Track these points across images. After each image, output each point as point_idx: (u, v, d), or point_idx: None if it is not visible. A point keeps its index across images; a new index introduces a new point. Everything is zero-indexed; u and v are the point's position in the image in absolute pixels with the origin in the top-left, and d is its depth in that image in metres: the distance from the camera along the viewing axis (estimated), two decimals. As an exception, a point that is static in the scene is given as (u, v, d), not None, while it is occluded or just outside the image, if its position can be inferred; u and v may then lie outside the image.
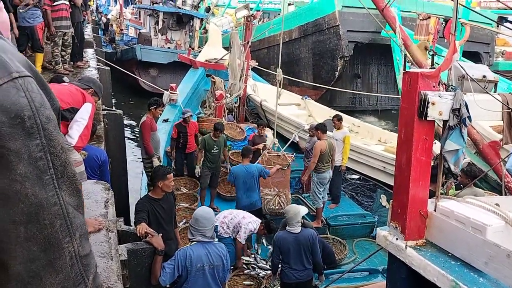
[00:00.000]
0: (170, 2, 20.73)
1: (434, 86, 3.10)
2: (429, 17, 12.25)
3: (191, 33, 20.55)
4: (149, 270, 3.78)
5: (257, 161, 7.65)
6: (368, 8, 7.53)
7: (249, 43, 10.92)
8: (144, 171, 7.49)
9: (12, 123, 0.71)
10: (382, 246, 3.46)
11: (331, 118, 8.62)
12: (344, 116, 9.20)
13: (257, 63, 12.88)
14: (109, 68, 10.77)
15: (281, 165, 7.55)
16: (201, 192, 7.74)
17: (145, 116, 7.15)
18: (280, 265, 5.20)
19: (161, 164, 7.10)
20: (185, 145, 8.06)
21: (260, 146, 8.29)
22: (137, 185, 8.22)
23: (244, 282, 5.76)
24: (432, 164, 3.26)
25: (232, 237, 5.76)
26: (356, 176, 9.65)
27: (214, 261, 3.90)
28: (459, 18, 6.34)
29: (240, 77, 10.46)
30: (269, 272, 5.73)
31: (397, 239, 3.23)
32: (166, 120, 9.53)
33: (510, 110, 3.66)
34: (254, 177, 6.71)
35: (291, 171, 8.05)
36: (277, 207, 7.24)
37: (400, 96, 3.37)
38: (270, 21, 21.33)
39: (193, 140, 8.16)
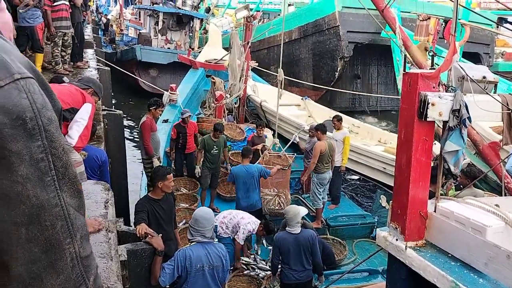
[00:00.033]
0: (170, 2, 20.74)
1: (434, 87, 3.10)
2: (429, 18, 12.24)
3: (191, 34, 20.55)
4: (148, 270, 3.78)
5: (257, 162, 7.65)
6: (368, 8, 7.52)
7: (249, 44, 10.93)
8: (144, 172, 7.49)
9: (13, 124, 0.71)
10: (382, 247, 3.46)
11: (331, 119, 8.62)
12: (344, 116, 9.20)
13: (257, 64, 12.88)
14: (109, 69, 10.77)
15: (281, 166, 7.55)
16: (201, 193, 7.74)
17: (145, 117, 7.16)
18: (280, 266, 5.20)
19: (161, 164, 7.11)
20: (185, 145, 8.06)
21: (259, 146, 8.30)
22: (137, 185, 8.22)
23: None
24: (432, 165, 3.26)
25: (231, 237, 5.76)
26: (356, 177, 9.65)
27: (213, 262, 3.90)
28: (459, 19, 6.33)
29: (240, 78, 10.46)
30: (269, 272, 5.73)
31: (397, 239, 3.23)
32: (166, 121, 9.53)
33: (510, 111, 3.66)
34: (254, 177, 6.71)
35: (291, 172, 8.06)
36: (277, 208, 7.24)
37: (400, 97, 3.37)
38: (270, 21, 21.36)
39: (192, 140, 8.16)
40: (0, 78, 0.71)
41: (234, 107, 11.48)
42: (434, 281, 2.86)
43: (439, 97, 3.04)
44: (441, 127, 3.22)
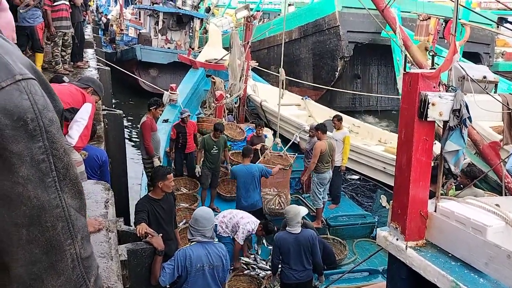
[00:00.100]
0: (170, 2, 20.73)
1: (434, 87, 3.10)
2: (429, 18, 12.25)
3: (191, 34, 20.55)
4: (149, 270, 3.78)
5: (257, 162, 7.64)
6: (368, 8, 7.52)
7: (249, 44, 10.92)
8: (144, 172, 7.49)
9: (15, 125, 0.71)
10: (382, 247, 3.46)
11: (331, 119, 8.62)
12: (344, 116, 9.20)
13: (257, 64, 12.88)
14: (109, 68, 10.77)
15: (283, 165, 7.55)
16: (202, 193, 7.74)
17: (145, 116, 7.16)
18: (280, 266, 5.19)
19: (161, 164, 7.11)
20: (185, 145, 8.06)
21: (258, 146, 8.29)
22: (137, 185, 8.22)
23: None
24: (432, 164, 3.26)
25: (231, 237, 5.76)
26: (356, 177, 9.65)
27: (214, 261, 3.90)
28: (459, 19, 6.33)
29: (240, 78, 10.46)
30: (269, 272, 5.73)
31: (397, 239, 3.23)
32: (166, 121, 9.53)
33: (510, 111, 3.66)
34: (255, 177, 6.71)
35: (291, 172, 8.06)
36: (277, 207, 7.24)
37: (400, 97, 3.37)
38: (270, 21, 21.36)
39: (192, 140, 8.16)
40: (1, 79, 0.71)
41: (234, 107, 11.48)
42: (435, 281, 2.86)
43: (440, 97, 3.04)
44: (442, 127, 3.22)
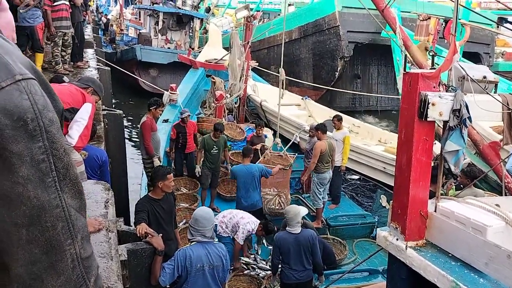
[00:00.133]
0: (170, 2, 20.72)
1: (434, 87, 3.10)
2: (429, 18, 12.25)
3: (191, 34, 20.55)
4: (149, 270, 3.78)
5: (257, 162, 7.64)
6: (368, 8, 7.52)
7: (249, 44, 10.92)
8: (144, 172, 7.49)
9: (15, 125, 0.70)
10: (382, 247, 3.46)
11: (331, 119, 8.63)
12: (344, 116, 9.20)
13: (257, 64, 12.89)
14: (109, 69, 10.77)
15: (283, 165, 7.55)
16: (202, 193, 7.74)
17: (145, 116, 7.16)
18: (280, 266, 5.19)
19: (162, 164, 7.11)
20: (185, 145, 8.05)
21: (258, 146, 8.29)
22: (137, 185, 8.22)
23: None
24: (432, 164, 3.26)
25: (231, 237, 5.76)
26: (356, 177, 9.65)
27: (214, 261, 3.90)
28: (459, 19, 6.33)
29: (240, 78, 10.46)
30: (269, 272, 5.73)
31: (397, 239, 3.23)
32: (166, 121, 9.53)
33: (510, 111, 3.66)
34: (255, 177, 6.71)
35: (291, 172, 8.06)
36: (277, 207, 7.24)
37: (400, 97, 3.37)
38: (270, 21, 21.36)
39: (192, 140, 8.16)
40: (1, 79, 0.71)
41: (234, 107, 11.48)
42: (435, 281, 2.86)
43: (440, 97, 3.04)
44: (442, 127, 3.22)
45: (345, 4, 16.09)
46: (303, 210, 5.33)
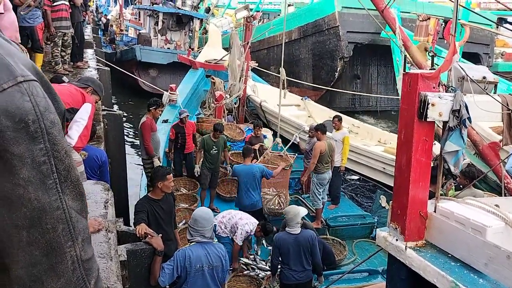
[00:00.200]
0: (170, 2, 20.72)
1: (434, 87, 3.10)
2: (429, 18, 12.26)
3: (190, 34, 20.54)
4: (148, 270, 3.78)
5: (257, 162, 7.64)
6: (368, 9, 7.53)
7: (249, 44, 10.93)
8: (144, 172, 7.48)
9: (16, 127, 0.70)
10: (382, 247, 3.46)
11: (331, 119, 8.63)
12: (344, 117, 9.21)
13: (257, 64, 12.89)
14: (109, 69, 10.77)
15: (285, 166, 7.55)
16: (201, 193, 7.74)
17: (145, 117, 7.16)
18: (279, 266, 5.19)
19: (161, 164, 7.11)
20: (184, 145, 8.05)
21: (256, 146, 8.29)
22: (137, 185, 8.22)
23: None
24: (432, 165, 3.26)
25: (230, 237, 5.76)
26: (356, 177, 9.65)
27: (213, 262, 3.90)
28: (459, 19, 6.33)
29: (240, 78, 10.46)
30: (268, 273, 5.73)
31: (397, 240, 3.23)
32: (165, 121, 9.53)
33: (510, 111, 3.66)
34: (256, 177, 6.71)
35: (291, 172, 8.06)
36: (276, 207, 7.25)
37: (399, 97, 3.37)
38: (270, 22, 21.36)
39: (191, 140, 8.15)
40: (3, 80, 0.71)
41: (234, 107, 11.48)
42: (434, 281, 2.86)
43: (439, 97, 3.04)
44: (441, 127, 3.22)
45: (345, 5, 16.09)
46: (303, 211, 5.33)
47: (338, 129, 8.18)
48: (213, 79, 11.18)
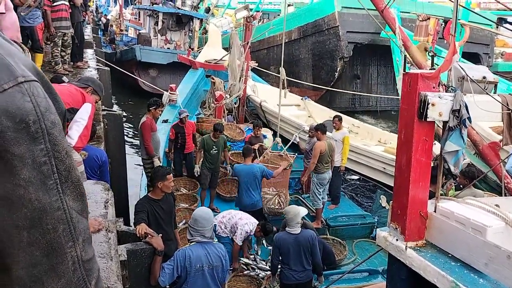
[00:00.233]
0: (170, 2, 20.73)
1: (434, 87, 3.10)
2: (429, 18, 12.26)
3: (190, 34, 20.55)
4: (148, 270, 3.78)
5: (257, 161, 7.64)
6: (368, 9, 7.53)
7: (249, 44, 10.92)
8: (144, 172, 7.48)
9: (17, 128, 0.70)
10: (382, 247, 3.46)
11: (332, 119, 8.63)
12: (344, 116, 9.21)
13: (256, 64, 12.89)
14: (108, 69, 10.78)
15: (286, 166, 7.55)
16: (201, 193, 7.74)
17: (145, 117, 7.16)
18: (279, 266, 5.19)
19: (161, 164, 7.11)
20: (184, 145, 8.05)
21: (256, 146, 8.29)
22: (137, 185, 8.22)
23: None
24: (432, 165, 3.26)
25: (230, 237, 5.76)
26: (356, 177, 9.65)
27: (213, 262, 3.90)
28: (459, 19, 6.33)
29: (240, 78, 10.46)
30: (268, 273, 5.73)
31: (397, 240, 3.23)
32: (165, 121, 9.53)
33: (510, 111, 3.66)
34: (256, 177, 6.72)
35: (291, 172, 8.06)
36: (276, 207, 7.25)
37: (399, 97, 3.37)
38: (270, 21, 21.37)
39: (191, 140, 8.15)
40: (4, 81, 0.71)
41: (234, 107, 11.48)
42: (434, 281, 2.86)
43: (439, 97, 3.04)
44: (441, 127, 3.22)
45: (345, 5, 16.09)
46: (303, 211, 5.33)
47: (338, 129, 8.18)
48: (213, 79, 11.18)
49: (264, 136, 9.63)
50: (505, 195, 4.93)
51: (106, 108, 7.66)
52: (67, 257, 0.78)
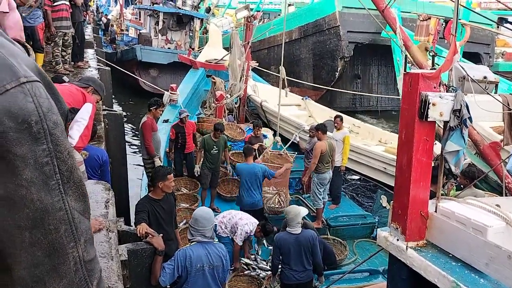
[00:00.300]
0: (170, 2, 20.74)
1: (434, 87, 3.10)
2: (429, 18, 12.24)
3: (191, 34, 20.55)
4: (149, 270, 3.78)
5: (257, 161, 7.64)
6: (369, 8, 7.53)
7: (249, 44, 10.92)
8: (144, 172, 7.49)
9: (19, 128, 0.70)
10: (383, 247, 3.46)
11: (333, 118, 8.63)
12: (344, 116, 9.21)
13: (257, 64, 12.89)
14: (109, 69, 10.79)
15: (289, 167, 7.55)
16: (202, 193, 7.74)
17: (146, 117, 7.16)
18: (280, 266, 5.19)
19: (162, 164, 7.11)
20: (184, 145, 8.05)
21: (256, 146, 8.29)
22: (138, 185, 8.22)
23: None
24: (432, 165, 3.26)
25: (230, 237, 5.76)
26: (357, 177, 9.65)
27: (214, 262, 3.90)
28: (460, 19, 6.33)
29: (241, 78, 10.46)
30: (269, 273, 5.73)
31: (397, 240, 3.23)
32: (166, 121, 9.53)
33: (510, 111, 3.66)
34: (258, 176, 6.72)
35: (291, 172, 8.05)
36: (276, 206, 7.26)
37: (400, 97, 3.37)
38: (270, 21, 21.37)
39: (191, 140, 8.15)
40: (6, 81, 0.71)
41: (235, 107, 11.48)
42: (435, 281, 2.86)
43: (440, 97, 3.04)
44: (442, 127, 3.22)
45: (345, 4, 16.09)
46: (304, 211, 5.33)
47: (340, 128, 8.17)
48: (214, 79, 11.18)
49: (265, 136, 9.63)
50: (506, 195, 4.93)
51: (106, 108, 7.67)
52: (69, 258, 0.78)
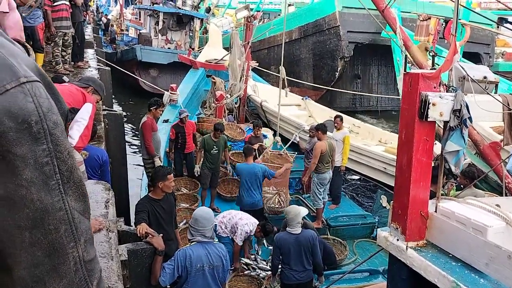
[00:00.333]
0: (170, 2, 20.74)
1: (434, 87, 3.10)
2: (429, 18, 12.24)
3: (191, 34, 20.56)
4: (149, 270, 3.78)
5: (257, 161, 7.64)
6: (369, 8, 7.53)
7: (249, 44, 10.93)
8: (144, 172, 7.49)
9: (19, 128, 0.70)
10: (383, 247, 3.46)
11: (333, 118, 8.63)
12: (344, 116, 9.21)
13: (257, 64, 12.89)
14: (109, 69, 10.78)
15: (289, 167, 7.55)
16: (202, 193, 7.74)
17: (146, 117, 7.16)
18: (280, 266, 5.19)
19: (162, 164, 7.11)
20: (184, 145, 8.05)
21: (256, 146, 8.29)
22: (138, 185, 8.22)
23: None
24: (432, 165, 3.26)
25: (230, 237, 5.76)
26: (357, 177, 9.65)
27: (214, 262, 3.90)
28: (460, 19, 6.33)
29: (241, 78, 10.46)
30: (269, 273, 5.73)
31: (397, 240, 3.23)
32: (166, 121, 9.53)
33: (510, 111, 3.66)
34: (258, 176, 6.72)
35: (291, 172, 8.05)
36: (276, 206, 7.26)
37: (400, 97, 3.37)
38: (270, 21, 21.37)
39: (191, 140, 8.15)
40: (6, 81, 0.71)
41: (235, 107, 11.48)
42: (435, 281, 2.86)
43: (440, 97, 3.04)
44: (442, 127, 3.22)
45: (345, 4, 16.09)
46: (304, 211, 5.33)
47: (339, 128, 8.17)
48: (214, 79, 11.18)
49: (265, 136, 9.63)
50: (506, 195, 4.93)
51: (106, 108, 7.67)
52: (69, 258, 0.78)
